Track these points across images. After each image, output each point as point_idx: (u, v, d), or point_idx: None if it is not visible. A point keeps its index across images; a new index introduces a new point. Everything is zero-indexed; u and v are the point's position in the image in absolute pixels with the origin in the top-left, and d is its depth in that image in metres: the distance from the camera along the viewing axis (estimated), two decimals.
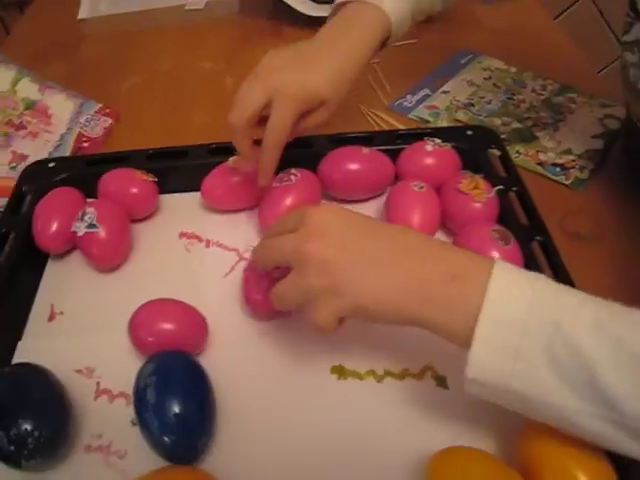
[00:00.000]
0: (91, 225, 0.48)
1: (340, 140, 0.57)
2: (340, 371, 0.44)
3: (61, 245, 0.50)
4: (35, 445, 0.36)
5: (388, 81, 0.70)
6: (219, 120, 0.65)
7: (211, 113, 0.68)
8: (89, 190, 0.53)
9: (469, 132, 0.58)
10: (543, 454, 0.35)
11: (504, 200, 0.51)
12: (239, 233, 0.53)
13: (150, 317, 0.43)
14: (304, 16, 0.79)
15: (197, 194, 0.55)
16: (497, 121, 0.64)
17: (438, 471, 0.35)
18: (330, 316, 0.37)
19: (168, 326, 0.43)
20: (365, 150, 0.54)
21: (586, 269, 0.46)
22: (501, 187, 0.51)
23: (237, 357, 0.44)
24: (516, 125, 0.64)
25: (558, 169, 0.58)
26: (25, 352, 0.45)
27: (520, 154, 0.60)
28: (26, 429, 0.36)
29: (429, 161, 0.53)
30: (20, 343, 0.46)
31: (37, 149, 0.61)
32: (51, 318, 0.48)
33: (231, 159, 0.53)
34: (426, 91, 0.69)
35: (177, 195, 0.56)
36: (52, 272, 0.51)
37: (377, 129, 0.64)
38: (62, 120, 0.63)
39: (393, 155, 0.55)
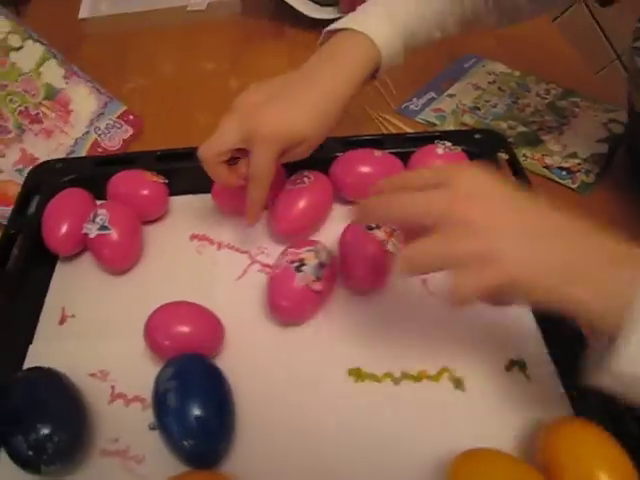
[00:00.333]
0: (103, 227, 0.47)
1: (351, 143, 0.57)
2: (357, 374, 0.44)
3: (71, 247, 0.50)
4: (54, 450, 0.36)
5: (394, 84, 0.71)
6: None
7: (216, 114, 0.66)
8: (98, 191, 0.53)
9: (477, 136, 0.58)
10: (564, 453, 0.35)
11: None
12: (251, 236, 0.53)
13: (166, 320, 0.43)
14: (307, 18, 0.79)
15: (207, 196, 0.55)
16: (503, 125, 0.65)
17: (460, 474, 0.35)
18: (479, 285, 0.33)
19: (184, 329, 0.42)
20: (377, 153, 0.54)
21: None
22: None
23: (253, 360, 0.44)
24: (522, 129, 0.64)
25: (564, 173, 0.59)
26: (37, 356, 0.45)
27: (527, 158, 0.61)
28: (45, 434, 0.36)
29: (439, 164, 0.54)
30: (31, 347, 0.45)
31: (49, 152, 0.59)
32: (62, 321, 0.47)
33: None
34: (432, 94, 0.69)
35: (187, 197, 0.56)
36: (62, 274, 0.50)
37: (385, 132, 0.64)
38: (82, 119, 0.61)
39: (403, 158, 0.55)
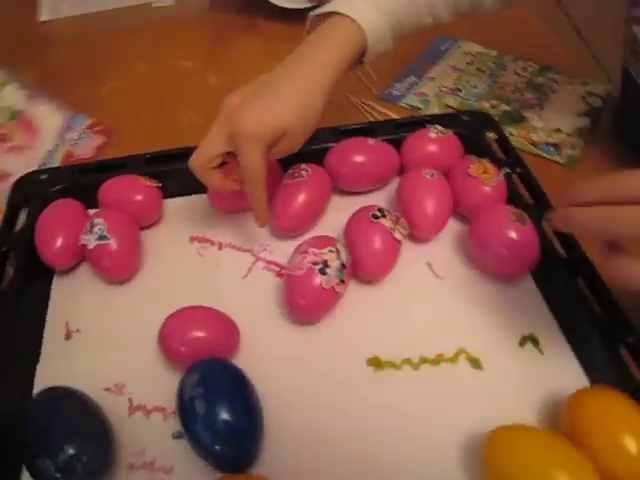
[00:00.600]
0: (102, 237, 0.46)
1: (342, 132, 0.56)
2: (377, 363, 0.44)
3: (68, 260, 0.48)
4: (84, 470, 0.35)
5: (373, 70, 0.70)
6: (209, 119, 0.64)
7: (199, 113, 0.66)
8: (88, 200, 0.51)
9: (465, 117, 0.59)
10: (589, 421, 0.36)
11: (509, 182, 0.52)
12: (251, 233, 0.52)
13: (181, 326, 0.42)
14: (277, 8, 0.78)
15: (202, 196, 0.54)
16: (486, 104, 0.65)
17: (495, 451, 0.36)
18: None
19: (200, 334, 0.41)
20: (371, 141, 0.54)
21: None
22: (508, 170, 0.52)
23: (271, 360, 0.44)
24: (504, 107, 0.65)
25: (552, 148, 0.60)
26: (46, 376, 0.43)
27: (513, 136, 0.61)
28: (73, 454, 0.35)
29: (433, 148, 0.54)
30: (39, 366, 0.44)
31: (21, 167, 0.57)
32: (68, 337, 0.46)
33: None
34: (413, 79, 0.69)
35: (181, 199, 0.55)
36: (60, 289, 0.49)
37: (372, 119, 0.64)
38: (48, 135, 0.60)
39: (395, 144, 0.55)
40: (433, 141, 0.54)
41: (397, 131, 0.57)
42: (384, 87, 0.68)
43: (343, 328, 0.46)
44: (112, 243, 0.46)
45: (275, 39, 0.76)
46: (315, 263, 0.44)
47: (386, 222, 0.47)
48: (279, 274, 0.49)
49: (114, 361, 0.44)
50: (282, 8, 0.78)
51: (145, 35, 0.78)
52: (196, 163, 0.46)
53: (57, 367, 0.44)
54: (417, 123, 0.57)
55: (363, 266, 0.47)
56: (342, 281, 0.44)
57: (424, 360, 0.44)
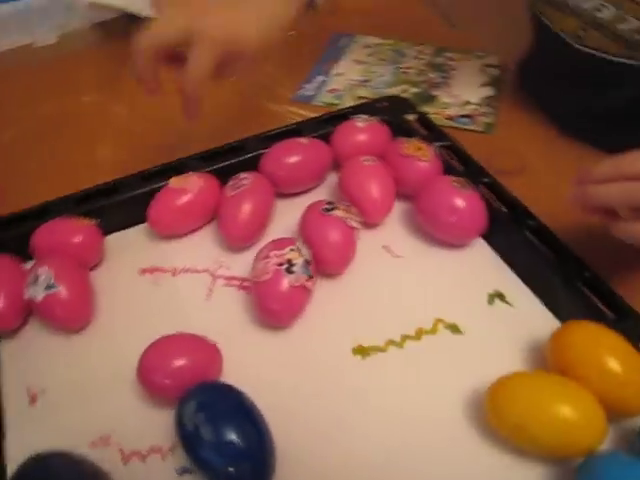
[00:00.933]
0: (49, 286, 0.43)
1: (270, 138, 0.56)
2: (362, 351, 0.44)
3: (14, 319, 0.44)
4: None
5: (281, 75, 0.71)
6: (122, 151, 0.62)
7: (111, 146, 0.63)
8: (21, 253, 0.47)
9: (383, 104, 0.61)
10: (577, 352, 0.38)
11: (441, 155, 0.55)
12: (203, 253, 0.50)
13: (160, 359, 0.40)
14: None
15: (142, 226, 0.52)
16: (396, 90, 0.68)
17: (499, 400, 0.37)
18: None
19: (182, 362, 0.39)
20: (302, 140, 0.54)
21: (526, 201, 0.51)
22: (439, 143, 0.54)
23: (259, 370, 0.42)
24: (413, 90, 0.68)
25: (466, 119, 0.63)
26: (18, 449, 0.38)
27: (429, 114, 0.64)
28: None
29: (363, 136, 0.55)
30: (7, 441, 0.39)
31: None
32: (33, 401, 0.42)
33: (172, 180, 0.50)
34: (321, 77, 0.70)
35: (122, 233, 0.52)
36: (11, 352, 0.44)
37: (292, 121, 0.64)
38: None
39: (325, 140, 0.56)
40: (361, 130, 0.55)
41: (323, 127, 0.58)
42: (296, 90, 0.69)
43: (320, 325, 0.45)
44: (62, 290, 0.43)
45: None
46: (280, 264, 0.43)
47: (339, 213, 0.47)
48: (242, 287, 0.48)
49: (93, 413, 0.41)
50: None
51: (33, 76, 0.73)
52: (145, 43, 0.45)
53: (28, 436, 0.40)
54: (340, 116, 0.58)
55: (326, 260, 0.47)
56: (310, 277, 0.44)
57: (406, 337, 0.44)
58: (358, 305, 0.47)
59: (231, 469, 0.35)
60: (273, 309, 0.44)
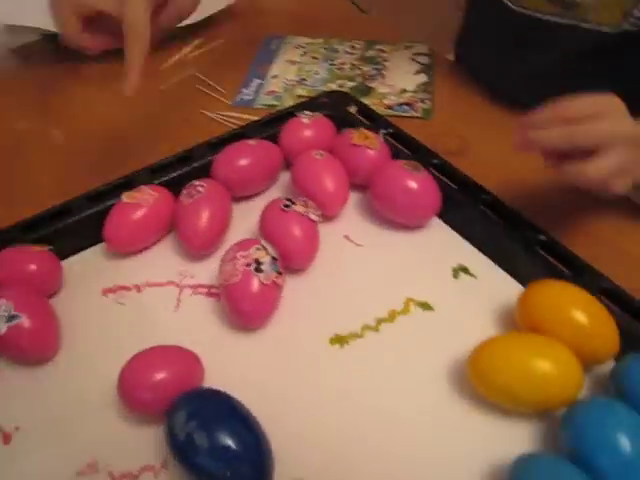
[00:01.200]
0: (11, 317, 0.41)
1: (216, 144, 0.56)
2: (339, 340, 0.44)
3: None
4: None
5: (217, 82, 0.71)
6: (66, 174, 0.60)
7: (54, 171, 0.61)
8: None
9: (324, 99, 0.62)
10: (544, 309, 0.40)
11: (388, 142, 0.56)
12: (165, 265, 0.49)
13: (140, 374, 0.38)
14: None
15: (99, 246, 0.50)
16: (333, 86, 0.69)
17: (481, 365, 0.38)
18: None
19: (163, 374, 0.38)
20: (252, 142, 0.54)
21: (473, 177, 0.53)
22: (384, 131, 0.56)
23: (240, 374, 0.42)
24: (350, 84, 0.69)
25: (405, 107, 0.65)
26: None
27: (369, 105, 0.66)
28: None
29: (310, 132, 0.56)
30: None
31: None
32: (6, 440, 0.39)
33: (124, 195, 0.49)
34: (257, 81, 0.71)
35: (77, 256, 0.50)
36: None
37: (234, 127, 0.64)
38: None
39: (272, 141, 0.56)
40: (307, 126, 0.56)
41: (268, 129, 0.58)
42: (234, 95, 0.69)
43: (294, 321, 0.45)
44: (25, 320, 0.41)
45: (102, 78, 0.73)
46: (248, 264, 0.43)
47: (298, 208, 0.48)
48: (210, 294, 0.48)
49: (75, 442, 0.39)
50: None
51: None
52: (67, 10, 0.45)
53: (7, 477, 0.38)
54: (284, 116, 0.59)
55: (291, 255, 0.47)
56: (280, 273, 0.44)
57: (381, 320, 0.45)
58: (328, 296, 0.47)
59: (229, 473, 0.34)
60: (246, 310, 0.43)
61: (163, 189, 0.51)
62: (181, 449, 0.35)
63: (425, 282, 0.48)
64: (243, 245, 0.45)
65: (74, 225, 0.49)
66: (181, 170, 0.54)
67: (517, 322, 0.42)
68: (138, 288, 0.48)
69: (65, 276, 0.48)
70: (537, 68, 0.62)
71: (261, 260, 0.43)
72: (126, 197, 0.49)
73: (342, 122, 0.58)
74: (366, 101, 0.66)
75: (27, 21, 0.73)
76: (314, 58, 0.74)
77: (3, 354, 0.43)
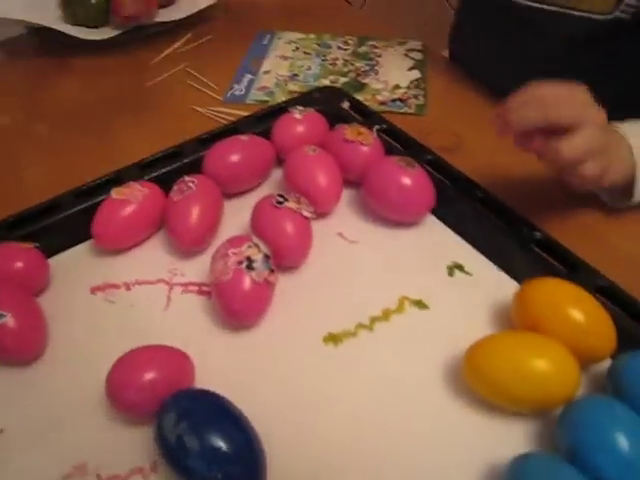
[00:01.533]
0: None
1: (207, 140, 0.55)
2: (333, 338, 0.43)
3: None
4: None
5: (207, 79, 0.70)
6: (53, 169, 0.59)
7: (40, 166, 0.60)
8: None
9: (316, 95, 0.61)
10: (540, 307, 0.39)
11: (381, 138, 0.55)
12: (155, 262, 0.48)
13: (129, 375, 0.37)
14: (81, 42, 0.73)
15: (87, 243, 0.49)
16: (325, 82, 0.68)
17: (477, 362, 0.38)
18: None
19: (153, 374, 0.37)
20: (243, 137, 0.53)
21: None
22: (378, 126, 0.55)
23: (231, 373, 0.41)
24: (343, 80, 0.68)
25: (399, 103, 0.65)
26: None
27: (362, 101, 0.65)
28: None
29: (302, 127, 0.55)
30: None
31: None
32: None
33: (113, 191, 0.48)
34: (249, 76, 0.70)
35: (65, 254, 0.49)
36: None
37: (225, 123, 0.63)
38: None
39: (264, 136, 0.55)
40: (300, 121, 0.55)
41: (260, 124, 0.58)
42: (225, 91, 0.68)
43: (287, 319, 0.45)
44: (10, 319, 0.40)
45: (91, 73, 0.72)
46: (240, 262, 0.42)
47: (291, 204, 0.47)
48: (200, 292, 0.47)
49: (62, 443, 0.38)
50: (88, 41, 0.73)
51: None
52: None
53: None
54: (277, 111, 0.58)
55: (284, 253, 0.46)
56: (272, 271, 0.43)
57: (375, 319, 0.44)
58: (322, 294, 0.47)
59: (220, 475, 0.33)
60: (238, 309, 0.43)
61: (153, 185, 0.50)
62: (171, 452, 0.34)
63: (420, 280, 0.47)
64: (234, 242, 0.44)
65: (62, 222, 0.48)
66: (171, 166, 0.53)
67: (513, 320, 0.42)
68: (127, 286, 0.47)
69: (53, 274, 0.47)
70: (530, 58, 0.62)
71: (253, 258, 0.43)
72: (115, 193, 0.48)
73: (335, 118, 0.57)
74: (359, 97, 0.65)
75: (12, 14, 0.72)
76: (306, 53, 0.73)
77: None
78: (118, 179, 0.51)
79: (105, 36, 0.73)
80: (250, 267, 0.42)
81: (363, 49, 0.73)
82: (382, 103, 0.65)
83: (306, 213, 0.47)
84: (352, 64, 0.70)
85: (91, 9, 0.74)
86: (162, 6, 0.77)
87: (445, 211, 0.51)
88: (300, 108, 0.56)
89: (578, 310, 0.39)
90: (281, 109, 0.57)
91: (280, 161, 0.55)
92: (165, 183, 0.50)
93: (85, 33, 0.72)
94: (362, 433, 0.38)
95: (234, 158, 0.52)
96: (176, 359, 0.40)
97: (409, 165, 0.49)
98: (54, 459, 0.37)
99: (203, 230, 0.48)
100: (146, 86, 0.70)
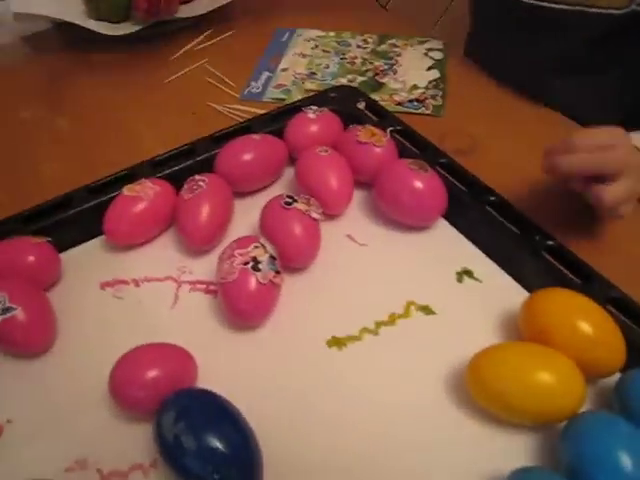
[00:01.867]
0: (6, 309, 0.40)
1: (220, 138, 0.55)
2: (337, 342, 0.43)
3: None
4: None
5: (225, 75, 0.70)
6: (70, 164, 0.60)
7: (58, 160, 0.61)
8: None
9: (333, 94, 0.61)
10: (549, 318, 0.39)
11: (395, 140, 0.55)
12: (165, 260, 0.49)
13: (132, 371, 0.38)
14: (102, 37, 0.74)
15: (98, 239, 0.50)
16: (343, 80, 0.68)
17: (480, 372, 0.37)
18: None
19: (156, 372, 0.38)
20: (256, 137, 0.53)
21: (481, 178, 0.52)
22: (392, 128, 0.54)
23: (234, 374, 0.41)
24: (360, 79, 0.68)
25: (416, 103, 0.64)
26: None
27: (378, 101, 0.64)
28: None
29: (316, 127, 0.55)
30: None
31: None
32: None
33: (125, 188, 0.48)
34: (266, 74, 0.69)
35: (76, 249, 0.50)
36: None
37: (241, 121, 0.63)
38: None
39: (277, 135, 0.55)
40: (313, 121, 0.55)
41: (274, 123, 0.57)
42: (242, 88, 0.68)
43: (291, 321, 0.45)
44: (20, 312, 0.41)
45: (111, 68, 0.73)
46: (245, 263, 0.43)
47: (300, 205, 0.47)
48: (208, 291, 0.47)
49: (65, 437, 0.39)
50: (109, 36, 0.74)
51: None
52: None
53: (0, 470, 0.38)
54: (291, 110, 0.58)
55: (291, 254, 0.46)
56: (278, 272, 0.43)
57: (380, 323, 0.44)
58: (328, 297, 0.46)
59: (216, 476, 0.34)
60: (243, 309, 0.43)
61: (165, 183, 0.50)
62: (169, 450, 0.34)
63: (428, 285, 0.47)
64: (241, 243, 0.44)
65: (74, 217, 0.49)
66: (184, 164, 0.54)
67: (520, 330, 0.41)
68: (136, 282, 0.48)
69: (64, 268, 0.48)
70: (548, 57, 0.62)
71: (259, 258, 0.43)
72: (127, 190, 0.49)
73: (349, 118, 0.57)
74: (376, 97, 0.65)
75: (38, 9, 0.73)
76: (325, 51, 0.72)
77: None
78: (131, 176, 0.51)
79: (126, 31, 0.74)
80: (256, 268, 0.42)
81: (383, 47, 0.72)
82: (399, 103, 0.64)
83: (315, 215, 0.47)
84: (371, 63, 0.70)
85: (114, 3, 0.74)
86: (184, 2, 0.78)
87: (457, 215, 0.50)
88: (314, 108, 0.56)
89: (586, 322, 0.38)
90: (295, 108, 0.57)
91: (293, 160, 0.55)
92: (177, 180, 0.51)
93: (107, 28, 0.73)
94: (362, 439, 0.38)
95: (246, 157, 0.52)
96: (179, 357, 0.40)
97: (421, 168, 0.49)
98: (57, 452, 0.38)
99: (213, 229, 0.48)
100: (165, 82, 0.70)
